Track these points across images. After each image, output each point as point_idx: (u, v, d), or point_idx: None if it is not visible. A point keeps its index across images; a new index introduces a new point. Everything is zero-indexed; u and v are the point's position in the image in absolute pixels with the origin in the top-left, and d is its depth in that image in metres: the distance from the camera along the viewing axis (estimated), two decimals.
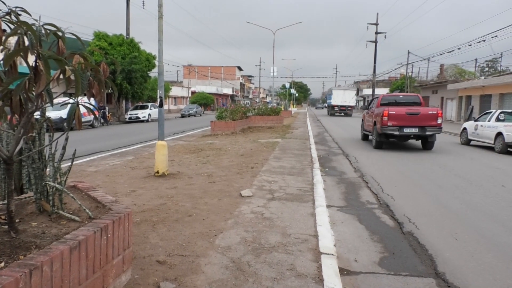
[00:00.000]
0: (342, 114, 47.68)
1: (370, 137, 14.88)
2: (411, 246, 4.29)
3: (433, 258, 3.95)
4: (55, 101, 2.51)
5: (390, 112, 12.40)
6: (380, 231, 4.77)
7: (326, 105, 57.45)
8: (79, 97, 2.37)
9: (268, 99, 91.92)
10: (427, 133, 12.35)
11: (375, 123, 13.35)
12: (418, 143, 14.81)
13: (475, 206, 5.98)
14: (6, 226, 2.52)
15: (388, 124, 12.37)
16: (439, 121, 12.32)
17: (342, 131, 21.89)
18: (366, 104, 27.39)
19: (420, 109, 12.67)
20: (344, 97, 47.39)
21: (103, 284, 2.59)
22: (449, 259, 3.92)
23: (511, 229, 4.89)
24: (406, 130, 12.33)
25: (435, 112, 12.44)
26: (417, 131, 12.32)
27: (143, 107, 31.43)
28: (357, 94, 57.86)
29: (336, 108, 47.83)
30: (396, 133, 12.37)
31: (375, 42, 42.72)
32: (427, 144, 13.07)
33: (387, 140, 13.24)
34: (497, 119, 13.54)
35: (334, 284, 3.08)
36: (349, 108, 47.45)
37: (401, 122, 12.32)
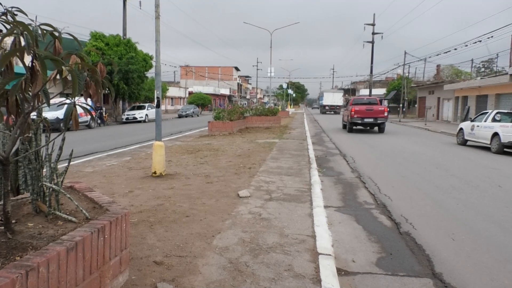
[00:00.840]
0: (332, 112, 55.88)
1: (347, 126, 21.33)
2: (408, 246, 4.29)
3: (430, 258, 3.96)
4: (51, 101, 2.50)
5: (355, 109, 19.61)
6: (378, 231, 4.78)
7: (320, 104, 65.96)
8: (76, 98, 2.37)
9: (266, 99, 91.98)
10: (378, 121, 19.68)
11: (348, 116, 20.22)
12: (415, 143, 15.43)
13: (472, 206, 6.00)
14: (2, 227, 2.51)
15: (354, 116, 19.52)
16: (386, 114, 19.69)
17: (333, 127, 24.62)
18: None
19: (374, 107, 19.88)
20: (333, 98, 56.89)
21: (100, 285, 2.58)
22: (446, 259, 3.93)
23: (507, 229, 4.91)
24: (365, 120, 19.51)
25: (383, 108, 19.90)
26: (372, 120, 19.54)
27: (140, 108, 31.37)
28: (344, 95, 65.50)
29: (327, 107, 57.01)
30: (359, 121, 19.59)
31: (372, 42, 42.84)
32: (380, 129, 20.50)
33: (355, 127, 20.64)
34: (493, 120, 13.60)
35: (331, 285, 3.08)
36: (337, 107, 56.36)
37: (363, 114, 19.44)
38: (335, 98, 56.77)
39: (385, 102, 47.68)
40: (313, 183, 6.99)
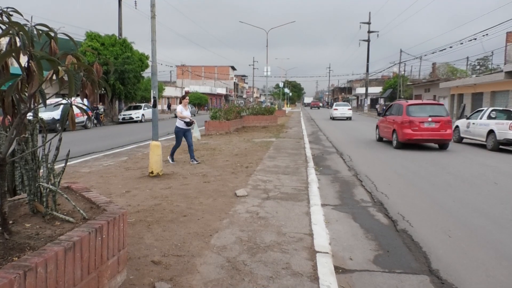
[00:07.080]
0: (309, 107, 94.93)
1: (316, 109, 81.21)
2: (405, 243, 4.32)
3: (426, 255, 3.99)
4: (48, 102, 2.50)
5: (312, 104, 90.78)
6: (375, 229, 4.81)
7: (303, 103, 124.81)
8: (72, 98, 2.36)
9: (262, 98, 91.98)
10: (318, 106, 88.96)
11: (310, 105, 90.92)
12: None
13: (468, 203, 6.04)
14: (0, 228, 2.50)
15: (311, 105, 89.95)
16: (320, 104, 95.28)
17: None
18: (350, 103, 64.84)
19: (318, 103, 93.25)
20: (308, 100, 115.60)
21: (98, 285, 2.59)
22: (442, 256, 3.96)
23: (503, 226, 4.95)
24: (315, 106, 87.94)
25: (317, 102, 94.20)
26: (316, 106, 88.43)
27: (137, 108, 31.24)
28: (317, 99, 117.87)
29: (306, 104, 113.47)
30: (314, 107, 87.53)
31: (368, 41, 42.94)
32: (318, 108, 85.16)
33: (311, 108, 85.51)
34: (489, 117, 13.66)
35: (329, 283, 3.10)
36: (310, 103, 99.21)
37: (314, 104, 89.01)
38: (309, 100, 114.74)
39: (382, 101, 48.09)
40: (310, 182, 7.00)
